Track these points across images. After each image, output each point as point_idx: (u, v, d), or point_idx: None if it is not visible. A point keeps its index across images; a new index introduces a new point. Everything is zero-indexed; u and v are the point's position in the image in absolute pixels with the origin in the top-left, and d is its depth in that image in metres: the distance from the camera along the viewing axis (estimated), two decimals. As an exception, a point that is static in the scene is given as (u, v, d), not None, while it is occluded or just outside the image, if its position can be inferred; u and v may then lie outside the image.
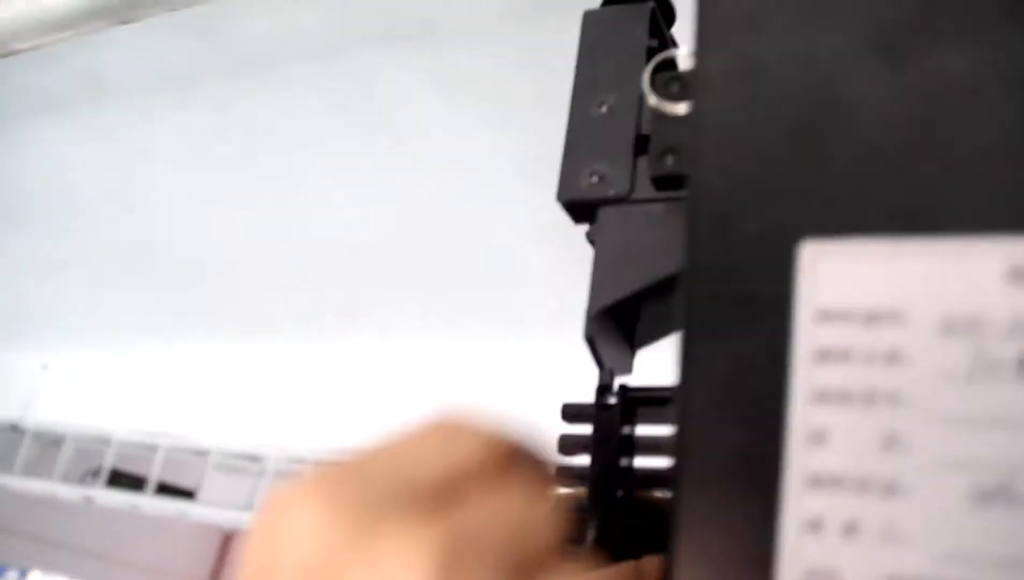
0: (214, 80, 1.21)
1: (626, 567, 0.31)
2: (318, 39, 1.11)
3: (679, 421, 0.23)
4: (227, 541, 1.60)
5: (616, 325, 0.33)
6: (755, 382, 0.22)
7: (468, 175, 1.21)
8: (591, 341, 0.32)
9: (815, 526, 0.20)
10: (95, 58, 1.22)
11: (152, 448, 1.53)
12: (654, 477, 0.33)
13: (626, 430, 0.34)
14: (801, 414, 0.21)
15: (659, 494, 0.33)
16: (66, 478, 1.54)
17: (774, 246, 0.23)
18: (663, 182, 0.32)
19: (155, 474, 1.48)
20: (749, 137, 0.25)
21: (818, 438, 0.20)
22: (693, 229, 0.25)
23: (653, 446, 0.33)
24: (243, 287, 1.51)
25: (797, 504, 0.20)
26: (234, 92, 1.22)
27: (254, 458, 1.51)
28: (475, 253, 1.31)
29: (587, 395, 1.12)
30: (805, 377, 0.21)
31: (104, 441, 1.57)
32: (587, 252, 1.08)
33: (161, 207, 1.43)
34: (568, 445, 0.35)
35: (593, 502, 0.33)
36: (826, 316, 0.21)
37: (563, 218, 1.09)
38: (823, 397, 0.21)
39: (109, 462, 1.52)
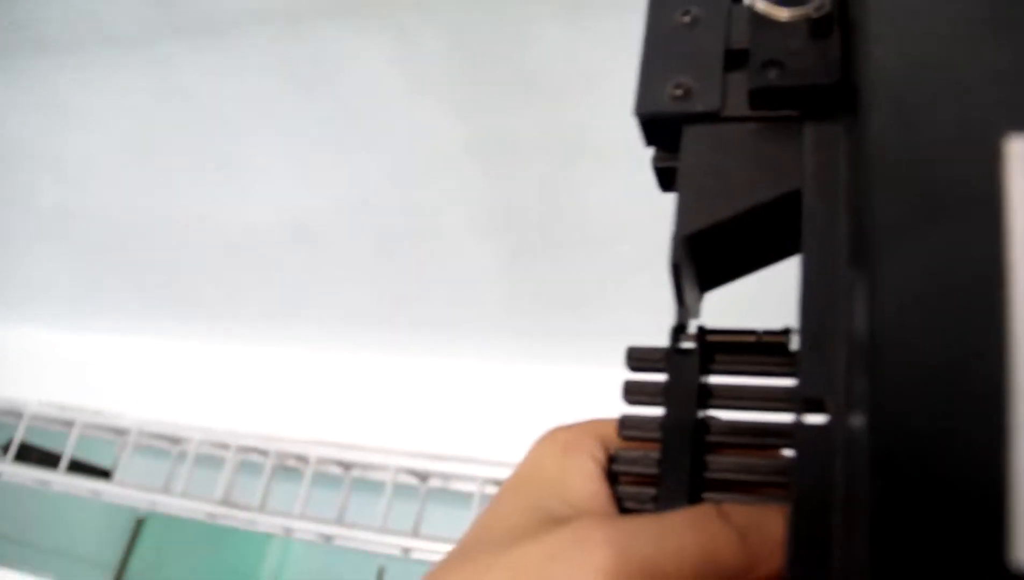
0: (158, 40, 1.14)
1: (706, 508, 0.27)
2: (273, 4, 1.06)
3: (870, 334, 0.19)
4: (139, 525, 1.52)
5: (696, 261, 0.29)
6: (963, 283, 0.18)
7: (423, 160, 1.17)
8: (677, 269, 0.28)
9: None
10: (29, 9, 1.14)
11: (68, 423, 1.44)
12: (735, 430, 0.29)
13: (703, 379, 0.29)
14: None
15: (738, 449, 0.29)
16: (-30, 452, 1.44)
17: (971, 139, 0.19)
18: (763, 97, 0.28)
19: (69, 451, 1.40)
20: (928, 22, 0.21)
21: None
22: (869, 120, 0.21)
23: (734, 397, 0.29)
24: (176, 262, 1.44)
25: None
26: (180, 54, 1.16)
27: (174, 440, 1.44)
28: (424, 241, 1.27)
29: (522, 407, 1.09)
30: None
31: (15, 414, 1.48)
32: (532, 254, 1.05)
33: (91, 174, 1.35)
34: (635, 393, 0.30)
35: (666, 458, 0.28)
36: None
37: (517, 212, 1.06)
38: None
39: (19, 436, 1.43)
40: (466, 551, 0.29)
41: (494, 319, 1.32)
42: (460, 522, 1.29)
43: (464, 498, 1.26)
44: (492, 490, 1.23)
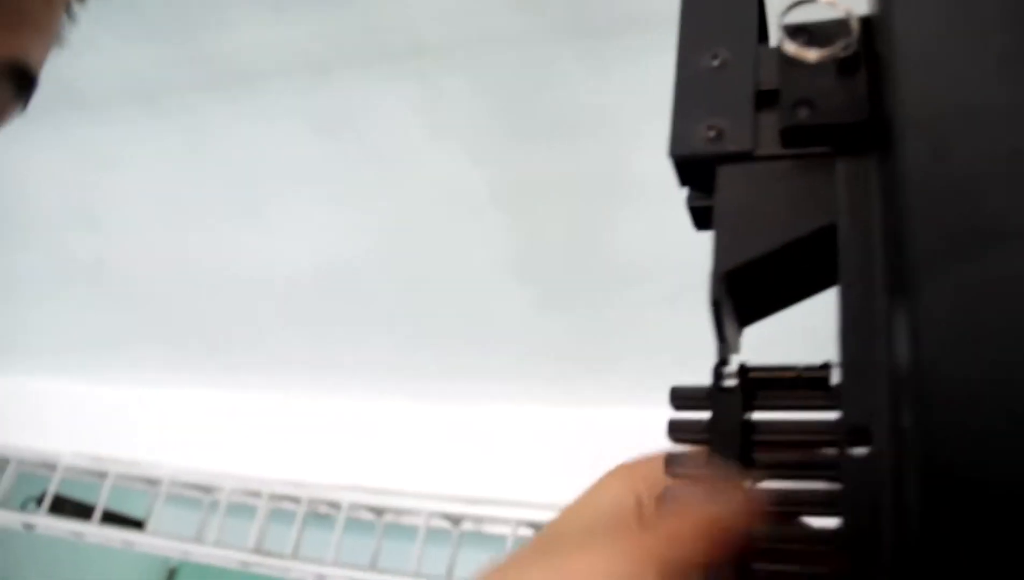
0: (189, 93, 1.17)
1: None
2: (301, 56, 1.07)
3: (914, 364, 0.19)
4: (172, 574, 1.52)
5: (735, 296, 0.30)
6: (1004, 309, 0.19)
7: (449, 205, 1.18)
8: (717, 305, 0.28)
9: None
10: (64, 64, 1.16)
11: (100, 475, 1.45)
12: (780, 464, 0.29)
13: (746, 415, 0.30)
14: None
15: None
16: (5, 503, 1.45)
17: (1006, 169, 0.20)
18: (795, 136, 0.29)
19: (102, 502, 1.41)
20: (955, 57, 0.22)
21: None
22: (903, 153, 0.21)
23: (777, 431, 0.29)
24: (205, 311, 1.45)
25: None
26: (209, 106, 1.18)
27: (207, 489, 1.44)
28: (451, 287, 1.28)
29: (553, 448, 1.09)
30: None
31: (49, 466, 1.49)
32: (560, 296, 1.05)
33: (125, 225, 1.37)
34: (680, 431, 0.30)
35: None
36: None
37: (540, 258, 1.06)
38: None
39: (54, 488, 1.44)
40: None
41: (523, 362, 1.32)
42: (494, 566, 1.28)
43: (498, 541, 1.25)
44: (526, 532, 1.22)
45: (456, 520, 1.29)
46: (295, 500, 1.37)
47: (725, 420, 0.29)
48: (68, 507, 1.43)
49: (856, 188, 0.28)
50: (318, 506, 1.37)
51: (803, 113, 0.28)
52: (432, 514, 1.28)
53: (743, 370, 0.30)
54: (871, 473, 0.24)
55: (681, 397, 0.31)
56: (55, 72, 1.16)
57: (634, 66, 0.94)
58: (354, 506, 1.34)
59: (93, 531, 1.38)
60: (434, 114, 1.08)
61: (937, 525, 0.19)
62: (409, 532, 1.29)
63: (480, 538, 1.29)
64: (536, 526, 1.23)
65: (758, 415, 0.30)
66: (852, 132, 0.28)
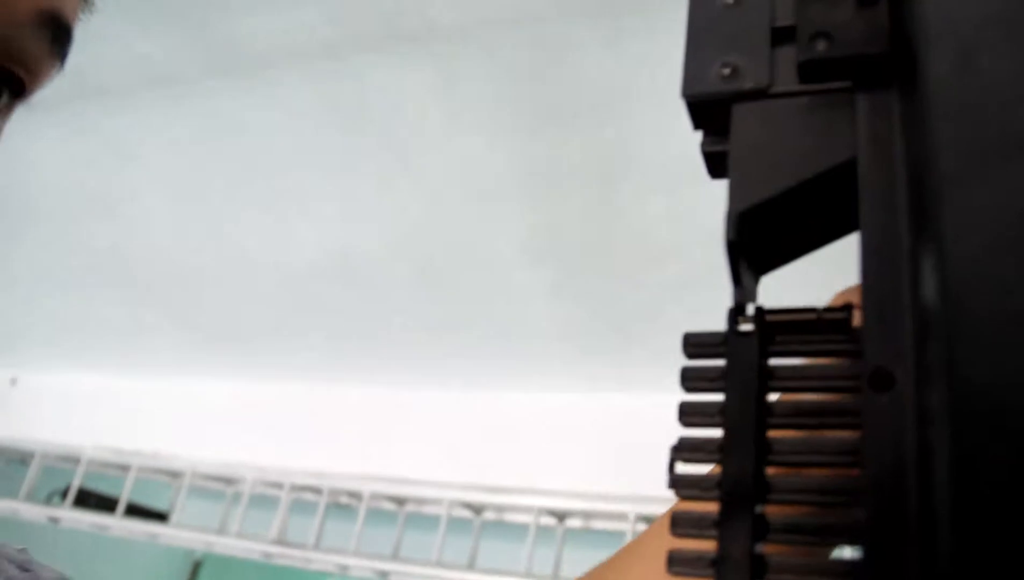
0: (204, 80, 1.16)
1: None
2: (315, 40, 1.07)
3: (940, 285, 0.18)
4: (196, 567, 1.52)
5: (751, 240, 0.28)
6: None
7: (465, 190, 1.17)
8: (732, 247, 0.27)
9: None
10: (76, 52, 1.16)
11: (124, 468, 1.45)
12: (799, 412, 0.27)
13: (764, 361, 0.28)
14: None
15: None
16: (30, 497, 1.46)
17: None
18: (812, 70, 0.28)
19: (125, 495, 1.41)
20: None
21: None
22: (929, 73, 0.20)
23: (797, 377, 0.28)
24: (224, 302, 1.45)
25: None
26: (224, 94, 1.17)
27: (229, 481, 1.44)
28: (469, 273, 1.27)
29: (575, 435, 1.07)
30: None
31: (73, 459, 1.49)
32: (578, 281, 1.04)
33: (142, 215, 1.37)
34: (694, 379, 0.29)
35: (729, 442, 0.27)
36: None
37: (558, 242, 1.05)
38: None
39: (77, 481, 1.44)
40: None
41: (542, 348, 1.31)
42: (516, 554, 1.29)
43: (519, 530, 1.24)
44: (548, 521, 1.21)
45: (478, 509, 1.28)
46: (316, 491, 1.36)
47: (741, 366, 0.28)
48: (92, 500, 1.44)
49: (877, 122, 0.26)
50: (339, 497, 1.37)
51: (821, 46, 0.27)
52: (453, 503, 1.27)
53: (760, 312, 0.28)
54: (895, 419, 0.22)
55: (695, 343, 0.29)
56: (69, 61, 1.16)
57: (650, 44, 0.93)
58: (375, 496, 1.33)
59: (117, 524, 1.38)
60: (449, 98, 1.07)
61: (969, 474, 0.18)
62: (431, 522, 1.28)
63: (502, 527, 1.29)
64: (558, 514, 1.22)
65: (777, 361, 0.28)
66: (873, 64, 0.26)
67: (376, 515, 1.34)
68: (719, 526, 0.26)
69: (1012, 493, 0.17)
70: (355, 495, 1.35)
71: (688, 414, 0.29)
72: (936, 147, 0.19)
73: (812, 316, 0.29)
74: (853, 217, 0.26)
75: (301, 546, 1.31)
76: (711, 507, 0.27)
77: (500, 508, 1.27)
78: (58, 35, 0.34)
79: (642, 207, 1.09)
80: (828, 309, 0.28)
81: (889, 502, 0.22)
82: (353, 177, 1.21)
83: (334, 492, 1.36)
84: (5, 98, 0.31)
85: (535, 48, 0.99)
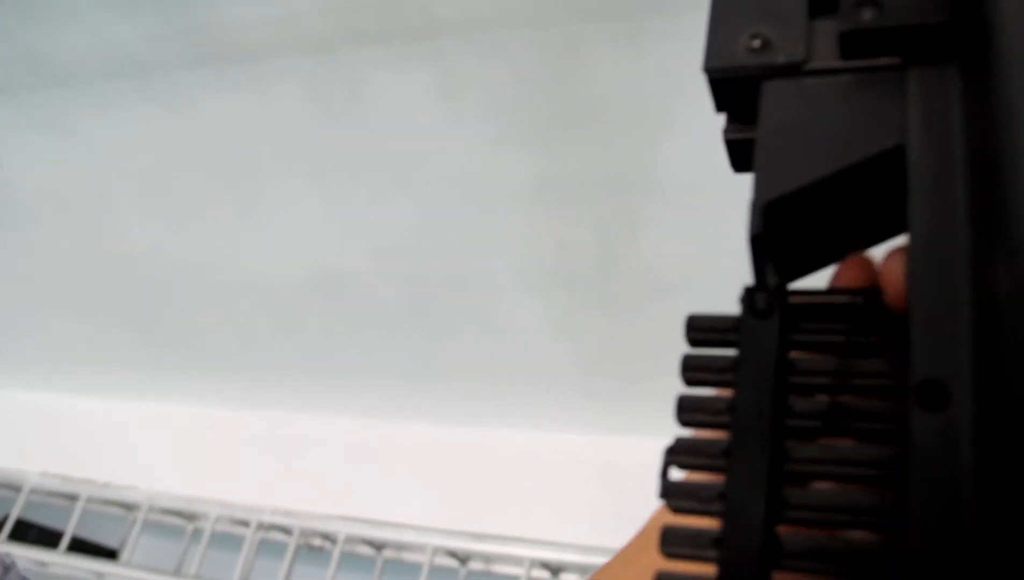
0: (180, 71, 1.15)
1: None
2: (304, 32, 1.06)
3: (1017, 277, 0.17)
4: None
5: (781, 236, 0.27)
6: None
7: (464, 201, 1.16)
8: (757, 241, 0.25)
9: None
10: (41, 37, 1.16)
11: (71, 497, 1.43)
12: (824, 415, 0.26)
13: (785, 352, 0.27)
14: None
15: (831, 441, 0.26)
16: (-38, 528, 1.44)
17: None
18: (856, 42, 0.26)
19: (71, 528, 1.38)
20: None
21: None
22: (1006, 61, 0.19)
23: (823, 373, 0.26)
24: (192, 317, 1.43)
25: None
26: (202, 87, 1.17)
27: (189, 516, 1.42)
28: (464, 294, 1.26)
29: (573, 481, 1.06)
30: None
31: (14, 487, 1.47)
32: (582, 310, 1.03)
33: (105, 217, 1.36)
34: (698, 369, 0.27)
35: (736, 446, 0.25)
36: None
37: (568, 259, 1.04)
38: None
39: (16, 511, 1.42)
40: None
41: (539, 382, 1.29)
42: (503, 610, 1.26)
43: (508, 582, 1.22)
44: (540, 574, 1.19)
45: (463, 558, 1.26)
46: (286, 531, 1.34)
47: (756, 357, 0.26)
48: (32, 533, 1.41)
49: (932, 104, 0.25)
50: (311, 538, 1.34)
51: (867, 15, 0.26)
52: (437, 550, 1.25)
53: (781, 293, 0.27)
54: (948, 441, 0.21)
55: (700, 328, 0.27)
56: (31, 46, 1.15)
57: (668, 50, 0.92)
58: (351, 539, 1.31)
59: (59, 560, 1.36)
60: (449, 101, 1.06)
61: None
62: (411, 570, 1.26)
63: (489, 579, 1.27)
64: (552, 567, 1.20)
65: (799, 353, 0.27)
66: (929, 36, 0.25)
67: (351, 560, 1.32)
68: (721, 547, 0.24)
69: None
70: (328, 537, 1.33)
71: (688, 410, 0.27)
72: (1015, 127, 0.18)
73: (845, 299, 0.27)
74: (900, 216, 0.25)
75: (266, 592, 1.29)
76: (711, 523, 0.25)
77: (488, 558, 1.25)
78: None
79: (658, 228, 1.08)
80: (864, 292, 0.27)
81: (937, 533, 0.21)
82: (342, 185, 1.20)
83: (305, 533, 1.34)
84: None
85: (546, 51, 0.99)
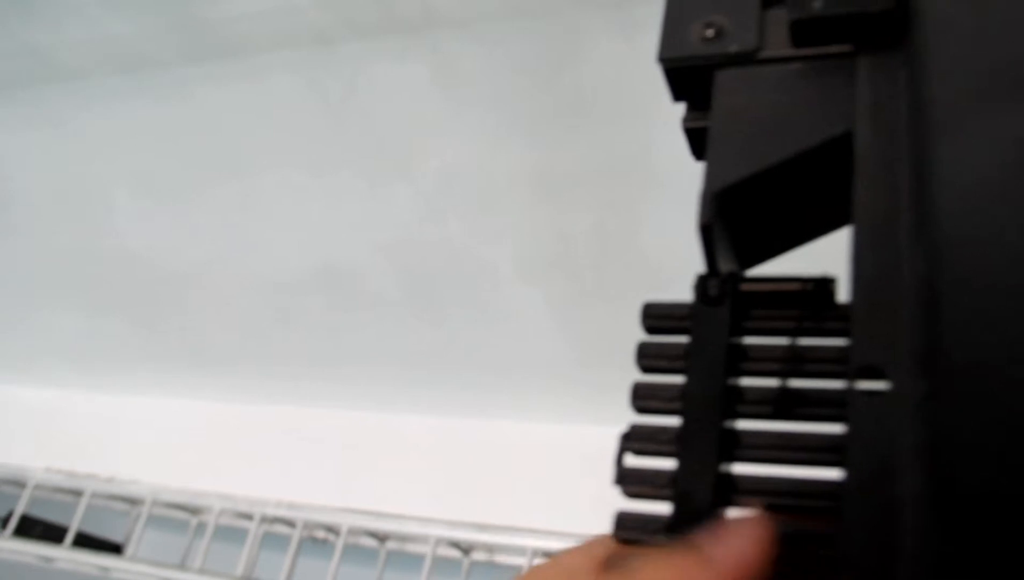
0: (178, 66, 1.16)
1: (687, 555, 0.25)
2: (302, 24, 1.06)
3: (932, 220, 0.17)
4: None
5: (732, 225, 0.27)
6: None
7: (463, 193, 1.16)
8: (708, 231, 0.26)
9: None
10: (40, 33, 1.17)
11: (76, 493, 1.44)
12: (772, 399, 0.26)
13: (736, 339, 0.27)
14: None
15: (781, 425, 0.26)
16: (-32, 523, 1.45)
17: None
18: (807, 30, 0.27)
19: (76, 523, 1.39)
20: None
21: None
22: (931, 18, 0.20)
23: (771, 358, 0.27)
24: (195, 312, 1.44)
25: None
26: (200, 81, 1.17)
27: (193, 510, 1.43)
28: (464, 285, 1.26)
29: (575, 471, 1.06)
30: None
31: (18, 483, 1.48)
32: (584, 300, 1.04)
33: (106, 213, 1.37)
34: (652, 357, 0.28)
35: (688, 431, 0.26)
36: None
37: (568, 249, 1.04)
38: None
39: (21, 507, 1.43)
40: None
41: (541, 373, 1.30)
42: (506, 600, 1.27)
43: (512, 572, 1.23)
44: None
45: (466, 549, 1.27)
46: (290, 523, 1.35)
47: (706, 344, 0.26)
48: (37, 529, 1.42)
49: (880, 91, 0.25)
50: (315, 530, 1.35)
51: (817, 3, 0.26)
52: (440, 541, 1.26)
53: (732, 280, 0.27)
54: (886, 412, 0.21)
55: (655, 315, 0.28)
56: (29, 41, 1.16)
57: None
58: (354, 531, 1.32)
59: (65, 555, 1.37)
60: (446, 92, 1.07)
61: (970, 478, 0.17)
62: (414, 561, 1.27)
63: (493, 569, 1.27)
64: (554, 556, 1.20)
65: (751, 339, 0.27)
66: (876, 23, 0.25)
67: (354, 552, 1.32)
68: (671, 531, 0.25)
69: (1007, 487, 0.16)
70: (332, 529, 1.34)
71: (642, 397, 0.28)
72: (933, 113, 0.18)
73: (796, 286, 0.27)
74: (850, 206, 0.25)
75: (270, 585, 1.30)
76: (663, 508, 0.26)
77: (491, 548, 1.26)
78: None
79: (657, 217, 1.08)
80: (814, 279, 0.27)
81: (872, 514, 0.21)
82: (341, 177, 1.21)
83: (309, 525, 1.35)
84: None
85: (543, 41, 0.99)
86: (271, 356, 1.45)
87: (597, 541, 0.33)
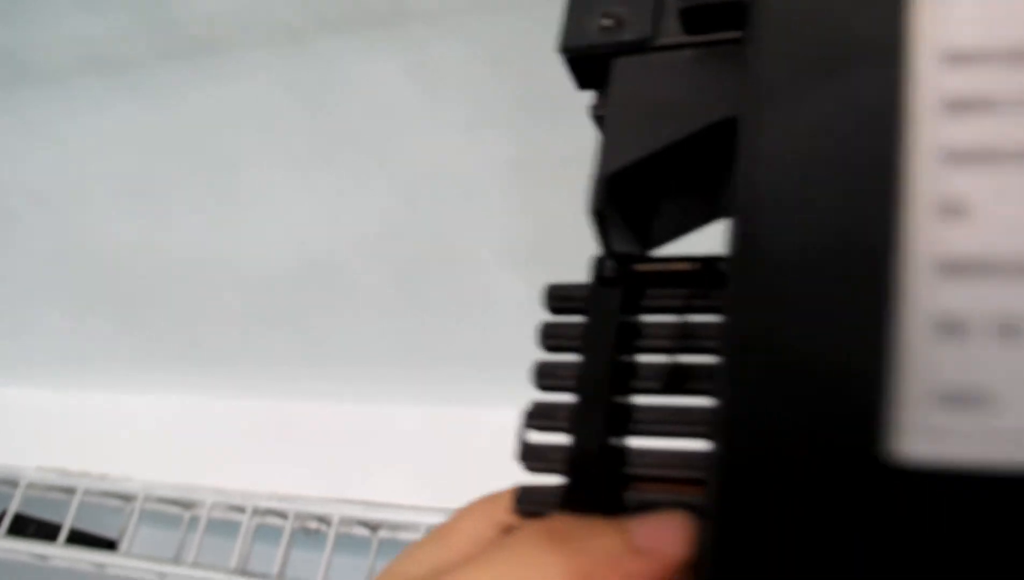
0: (152, 63, 1.16)
1: (611, 544, 0.26)
2: (275, 21, 1.07)
3: (742, 203, 0.18)
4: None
5: (627, 209, 0.29)
6: (855, 144, 0.17)
7: (446, 184, 1.17)
8: (600, 217, 0.27)
9: (954, 329, 0.15)
10: (11, 32, 1.17)
11: (68, 491, 1.46)
12: (662, 374, 0.27)
13: (630, 317, 0.28)
14: (930, 180, 0.16)
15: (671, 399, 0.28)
16: (-39, 523, 1.46)
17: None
18: (695, 18, 0.28)
19: (69, 521, 1.41)
20: None
21: (955, 211, 0.16)
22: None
23: (663, 336, 0.28)
24: (181, 308, 1.45)
25: (929, 299, 0.15)
26: (175, 79, 1.18)
27: (186, 504, 1.44)
28: (446, 278, 1.27)
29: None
30: (932, 133, 0.16)
31: (11, 482, 1.50)
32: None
33: (86, 212, 1.38)
34: (554, 337, 0.29)
35: (581, 409, 0.27)
36: (958, 58, 0.17)
37: (553, 239, 1.05)
38: (959, 158, 0.16)
39: (15, 506, 1.45)
40: None
41: (528, 361, 1.31)
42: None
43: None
44: (531, 549, 1.21)
45: (456, 536, 1.28)
46: (282, 515, 1.37)
47: (601, 323, 0.28)
48: (31, 527, 1.43)
49: (764, 76, 0.27)
50: (307, 521, 1.37)
51: (706, -10, 0.27)
52: (431, 529, 1.27)
53: (625, 260, 0.29)
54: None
55: (558, 296, 0.29)
56: (2, 44, 1.16)
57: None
58: (346, 521, 1.33)
59: (59, 553, 1.38)
60: (422, 85, 1.07)
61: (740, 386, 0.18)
62: (405, 550, 1.28)
63: (483, 555, 1.28)
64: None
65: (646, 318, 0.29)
66: (756, 9, 0.27)
67: (347, 542, 1.34)
68: (567, 505, 0.26)
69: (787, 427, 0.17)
70: (324, 520, 1.35)
71: (543, 375, 0.29)
72: (756, 60, 0.19)
73: (686, 266, 0.29)
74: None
75: (264, 575, 1.31)
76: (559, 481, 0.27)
77: (480, 535, 1.27)
78: None
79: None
80: (708, 259, 0.28)
81: (747, 480, 0.22)
82: (322, 173, 1.21)
83: (301, 516, 1.36)
84: None
85: (516, 32, 0.99)
86: (258, 351, 1.46)
87: (491, 505, 0.33)
